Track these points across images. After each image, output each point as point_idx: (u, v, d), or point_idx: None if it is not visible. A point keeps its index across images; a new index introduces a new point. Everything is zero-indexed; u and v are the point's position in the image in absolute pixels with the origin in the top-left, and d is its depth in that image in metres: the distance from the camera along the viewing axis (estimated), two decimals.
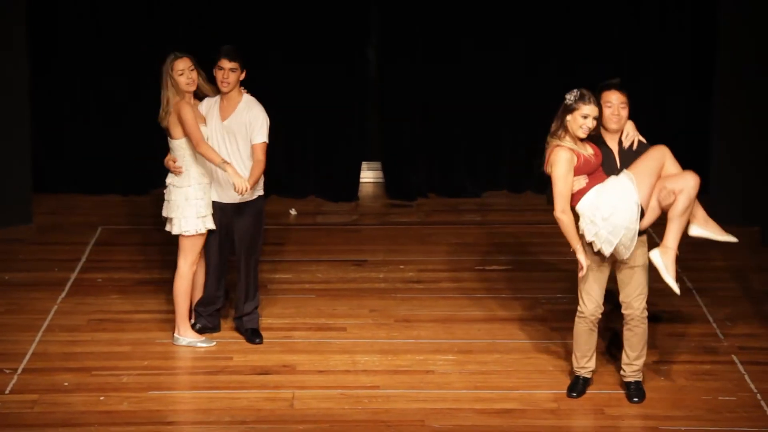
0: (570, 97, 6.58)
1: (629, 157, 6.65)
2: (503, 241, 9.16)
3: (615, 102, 6.60)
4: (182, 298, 7.33)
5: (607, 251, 6.53)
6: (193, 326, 7.42)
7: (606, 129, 6.66)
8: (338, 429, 6.52)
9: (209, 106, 7.25)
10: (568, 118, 6.58)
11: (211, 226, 7.28)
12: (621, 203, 6.45)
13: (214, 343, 7.40)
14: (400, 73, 10.04)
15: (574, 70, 9.86)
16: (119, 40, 9.84)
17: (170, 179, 7.28)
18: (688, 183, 6.55)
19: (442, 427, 6.54)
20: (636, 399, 6.73)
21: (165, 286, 8.21)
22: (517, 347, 7.40)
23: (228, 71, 7.12)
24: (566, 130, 6.57)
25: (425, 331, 7.63)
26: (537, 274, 8.52)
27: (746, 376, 7.03)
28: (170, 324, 7.65)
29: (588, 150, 6.58)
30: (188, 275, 7.32)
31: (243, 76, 7.19)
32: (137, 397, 6.80)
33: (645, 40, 9.88)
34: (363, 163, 10.31)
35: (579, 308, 6.76)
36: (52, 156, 10.01)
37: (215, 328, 7.50)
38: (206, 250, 7.36)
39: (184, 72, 7.15)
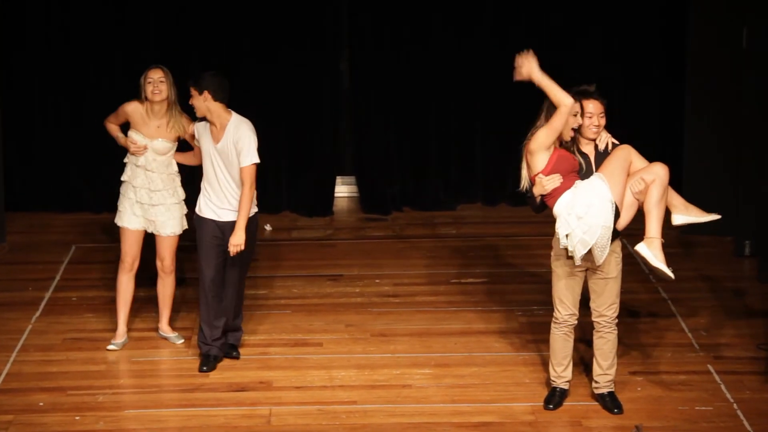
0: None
1: (604, 159, 6.66)
2: (478, 254, 9.17)
3: (594, 112, 6.61)
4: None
5: (580, 252, 6.51)
6: (207, 360, 7.34)
7: (582, 137, 6.67)
8: None
9: (203, 127, 7.20)
10: (573, 123, 6.55)
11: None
12: (596, 201, 6.45)
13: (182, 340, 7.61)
14: (374, 87, 10.06)
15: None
16: (94, 60, 9.83)
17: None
18: (658, 172, 6.58)
19: None
20: (617, 410, 6.73)
21: (139, 304, 8.18)
22: (493, 360, 7.41)
23: (190, 97, 7.10)
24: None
25: (402, 345, 7.63)
26: (512, 286, 8.54)
27: (722, 386, 7.06)
28: (146, 342, 7.63)
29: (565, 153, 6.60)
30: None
31: (207, 97, 7.02)
32: (113, 417, 6.77)
33: (614, 56, 9.94)
34: (337, 177, 10.32)
35: (554, 314, 6.78)
36: (24, 174, 9.97)
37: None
38: (205, 271, 7.27)
39: (153, 81, 7.25)
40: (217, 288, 7.27)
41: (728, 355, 7.46)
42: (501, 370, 7.28)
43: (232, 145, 7.08)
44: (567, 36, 9.93)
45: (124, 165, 7.52)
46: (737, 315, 7.99)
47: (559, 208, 6.55)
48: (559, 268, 6.70)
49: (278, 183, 10.14)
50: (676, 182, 9.45)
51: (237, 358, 7.38)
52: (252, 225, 7.26)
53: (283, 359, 7.44)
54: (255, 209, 7.30)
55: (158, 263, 7.58)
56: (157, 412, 6.84)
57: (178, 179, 7.52)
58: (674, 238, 9.21)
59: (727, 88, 9.13)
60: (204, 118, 7.15)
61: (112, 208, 9.99)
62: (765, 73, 8.73)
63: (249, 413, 6.81)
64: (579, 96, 6.64)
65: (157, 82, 7.28)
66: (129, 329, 7.75)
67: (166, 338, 7.65)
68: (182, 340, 7.62)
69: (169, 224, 7.47)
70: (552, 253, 6.70)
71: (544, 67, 9.85)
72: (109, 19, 9.80)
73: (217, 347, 7.32)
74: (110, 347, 7.53)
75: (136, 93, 9.74)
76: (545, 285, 8.46)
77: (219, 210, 7.19)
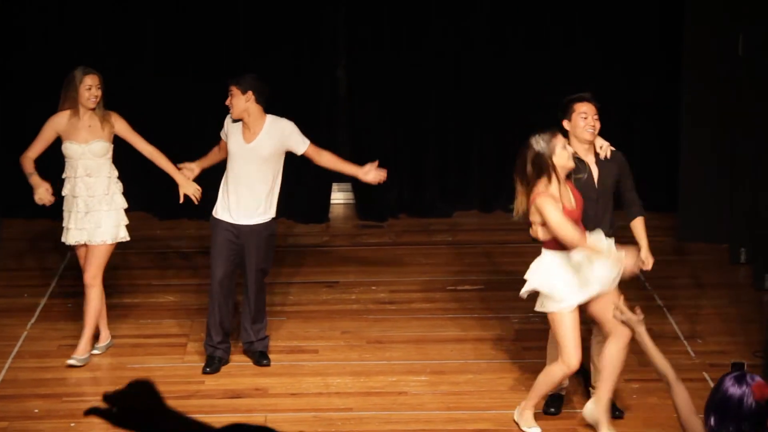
0: (540, 143, 6.36)
1: (606, 167, 6.62)
2: (475, 261, 9.17)
3: (589, 112, 6.58)
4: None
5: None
6: (212, 361, 7.30)
7: (579, 141, 6.62)
8: None
9: (233, 125, 7.22)
10: (566, 126, 6.50)
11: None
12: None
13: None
14: (371, 93, 10.06)
15: (539, 92, 9.92)
16: (90, 64, 9.83)
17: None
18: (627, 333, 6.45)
19: None
20: (618, 413, 6.72)
21: (135, 311, 8.18)
22: (489, 367, 7.41)
23: (229, 97, 7.16)
24: (548, 177, 6.34)
25: (398, 352, 7.62)
26: (509, 293, 8.51)
27: None
28: (143, 348, 7.62)
29: (570, 198, 6.43)
30: None
31: (250, 98, 7.15)
32: (108, 423, 6.74)
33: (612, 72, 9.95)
34: (333, 184, 10.31)
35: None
36: (19, 180, 9.95)
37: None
38: (215, 273, 7.24)
39: (91, 88, 7.21)
40: (226, 292, 7.25)
41: (723, 362, 7.45)
42: (497, 377, 7.27)
43: (273, 140, 7.12)
44: (565, 40, 9.93)
45: (63, 181, 7.33)
46: (733, 322, 8.00)
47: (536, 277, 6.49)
48: None
49: None
50: (671, 187, 9.53)
51: (268, 365, 7.33)
52: (269, 230, 7.26)
53: (278, 366, 7.43)
54: (273, 215, 7.30)
55: (84, 274, 7.28)
56: None
57: (118, 186, 7.33)
58: (669, 245, 9.22)
59: (723, 95, 9.14)
60: (237, 120, 7.18)
61: None
62: (760, 78, 8.74)
63: (244, 420, 6.79)
64: (573, 101, 6.62)
65: (96, 89, 7.20)
66: (124, 336, 7.74)
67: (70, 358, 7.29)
68: (74, 362, 7.27)
69: (99, 232, 7.23)
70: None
71: (542, 70, 9.92)
72: (106, 23, 9.79)
73: (222, 350, 7.31)
74: (70, 361, 7.28)
75: (134, 98, 9.78)
76: None
77: (236, 212, 7.19)
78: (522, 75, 9.96)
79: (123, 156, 9.83)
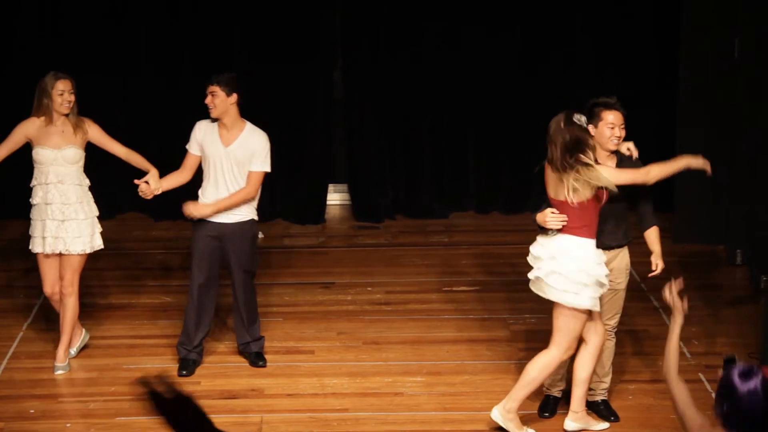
0: (580, 119, 6.28)
1: (627, 166, 6.56)
2: (471, 262, 9.17)
3: (616, 122, 6.47)
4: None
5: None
6: (186, 363, 7.30)
7: (602, 148, 6.48)
8: None
9: (206, 130, 7.16)
10: (591, 130, 6.34)
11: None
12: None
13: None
14: (367, 95, 10.07)
15: (538, 89, 9.93)
16: (86, 65, 9.83)
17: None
18: (598, 342, 6.48)
19: None
20: (613, 418, 6.73)
21: (132, 311, 8.18)
22: (485, 368, 7.41)
23: (209, 95, 7.09)
24: (587, 154, 6.23)
25: (394, 353, 7.62)
26: (504, 294, 8.54)
27: (713, 395, 7.04)
28: (138, 349, 7.62)
29: None
30: None
31: (233, 100, 7.09)
32: (104, 424, 6.75)
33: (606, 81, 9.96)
34: (330, 185, 10.32)
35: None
36: (15, 181, 9.94)
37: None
38: (195, 276, 7.22)
39: (64, 93, 7.12)
40: (205, 295, 7.23)
41: (719, 364, 7.42)
42: (493, 378, 7.27)
43: (248, 148, 7.07)
44: (561, 45, 9.94)
45: (31, 189, 7.25)
46: (729, 324, 8.00)
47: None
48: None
49: (271, 191, 10.12)
50: (668, 190, 9.53)
51: (264, 366, 7.32)
52: (251, 231, 7.21)
53: (274, 367, 7.43)
54: (254, 216, 7.25)
55: (60, 282, 7.22)
56: (148, 419, 6.82)
57: (89, 195, 7.27)
58: (666, 246, 9.20)
59: (719, 98, 9.15)
60: (214, 120, 7.12)
61: (106, 215, 10.07)
62: (755, 82, 8.75)
63: (240, 421, 6.80)
64: (600, 106, 6.53)
65: (68, 94, 7.11)
66: (120, 336, 7.74)
67: (54, 369, 7.28)
68: (61, 372, 7.27)
69: (79, 242, 7.15)
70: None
71: (538, 74, 9.93)
72: (103, 23, 9.79)
73: (197, 353, 7.31)
74: (57, 372, 7.27)
75: (124, 98, 9.78)
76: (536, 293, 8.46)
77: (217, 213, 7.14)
78: (517, 76, 9.97)
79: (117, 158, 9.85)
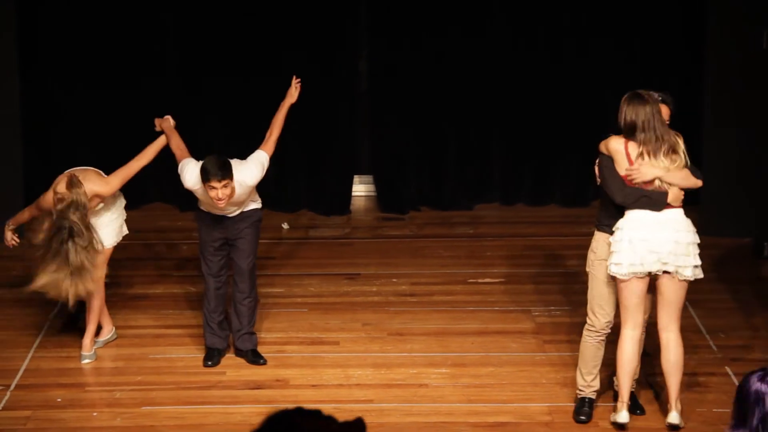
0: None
1: None
2: (495, 254, 9.16)
3: (663, 115, 6.44)
4: None
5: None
6: (211, 355, 7.32)
7: None
8: None
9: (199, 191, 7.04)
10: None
11: None
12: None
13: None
14: (391, 87, 10.05)
15: (563, 80, 9.90)
16: (111, 63, 9.86)
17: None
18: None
19: None
20: (639, 411, 6.70)
21: (157, 301, 8.21)
22: (510, 360, 7.40)
23: (220, 189, 6.84)
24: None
25: (418, 345, 7.62)
26: (529, 286, 8.52)
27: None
28: (164, 339, 7.65)
29: None
30: None
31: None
32: (130, 413, 6.78)
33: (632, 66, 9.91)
34: (355, 176, 10.32)
35: (589, 321, 6.57)
36: (43, 174, 9.98)
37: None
38: (210, 267, 7.26)
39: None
40: (220, 285, 7.26)
41: (746, 357, 7.43)
42: (517, 370, 7.26)
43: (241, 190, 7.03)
44: (585, 37, 9.90)
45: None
46: (755, 317, 7.96)
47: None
48: (601, 273, 6.47)
49: (296, 182, 10.15)
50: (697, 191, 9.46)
51: (264, 363, 7.28)
52: (254, 220, 7.21)
53: (299, 357, 7.45)
54: (258, 206, 7.24)
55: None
56: (175, 408, 6.86)
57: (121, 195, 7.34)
58: None
59: (747, 88, 9.10)
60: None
61: (132, 205, 10.17)
62: None
63: (266, 411, 6.72)
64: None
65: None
66: (146, 326, 7.79)
67: (81, 358, 7.34)
68: (87, 360, 7.33)
69: (105, 236, 7.17)
70: (592, 257, 6.52)
71: (563, 66, 9.89)
72: (125, 24, 9.79)
73: (222, 339, 7.32)
74: (84, 361, 7.33)
75: (154, 93, 9.77)
76: (562, 285, 8.46)
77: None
78: (543, 68, 9.94)
79: (144, 146, 9.87)
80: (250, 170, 7.04)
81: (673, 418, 6.44)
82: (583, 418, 6.64)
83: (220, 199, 6.85)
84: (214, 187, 6.83)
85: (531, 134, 10.10)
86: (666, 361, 6.45)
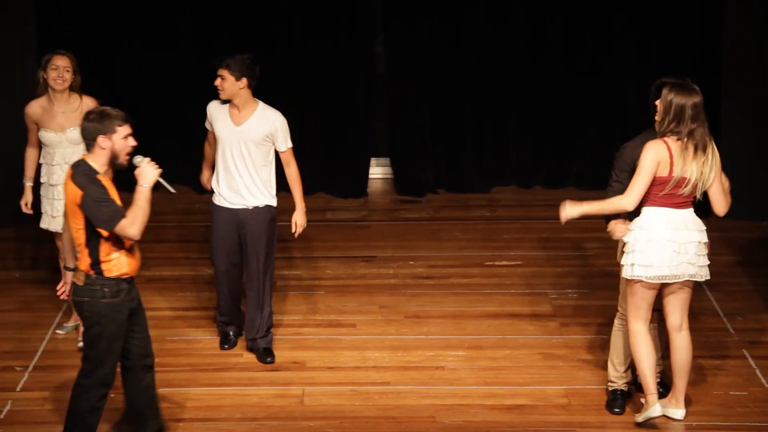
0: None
1: None
2: (512, 237, 9.15)
3: None
4: None
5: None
6: (226, 338, 7.33)
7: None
8: (348, 425, 6.53)
9: (217, 110, 7.10)
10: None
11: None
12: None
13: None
14: (409, 69, 10.03)
15: (580, 64, 9.87)
16: (123, 44, 9.87)
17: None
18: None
19: (453, 423, 6.54)
20: (661, 390, 6.67)
21: (175, 284, 8.24)
22: (527, 343, 7.40)
23: (218, 78, 6.99)
24: None
25: (435, 327, 7.63)
26: (546, 269, 8.52)
27: (757, 371, 7.02)
28: (182, 321, 7.68)
29: None
30: None
31: (243, 84, 6.97)
32: None
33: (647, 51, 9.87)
34: (372, 159, 10.31)
35: (620, 310, 6.53)
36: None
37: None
38: (217, 264, 7.23)
39: (58, 68, 7.05)
40: (232, 278, 7.22)
41: (764, 340, 7.42)
42: (534, 353, 7.27)
43: (261, 127, 7.02)
44: (602, 32, 9.83)
45: (40, 166, 7.25)
46: None
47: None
48: None
49: (313, 164, 10.15)
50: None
51: (272, 362, 7.19)
52: (268, 217, 7.11)
53: (316, 340, 7.46)
54: (272, 203, 7.15)
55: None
56: (192, 390, 6.88)
57: None
58: (711, 222, 9.14)
59: (764, 78, 9.06)
60: (225, 102, 7.05)
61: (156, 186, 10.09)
62: None
63: (282, 393, 6.84)
64: (668, 86, 6.31)
65: (62, 70, 7.06)
66: (163, 308, 7.81)
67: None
68: (61, 332, 7.41)
69: None
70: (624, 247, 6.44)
71: (581, 51, 9.85)
72: (141, 5, 9.79)
73: (236, 325, 7.32)
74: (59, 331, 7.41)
75: (164, 81, 9.79)
76: (579, 268, 8.45)
77: (231, 197, 7.08)
78: (560, 53, 9.90)
79: (164, 129, 9.89)
80: (278, 116, 7.04)
81: (680, 414, 6.45)
82: (617, 410, 6.57)
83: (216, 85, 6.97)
84: (217, 76, 6.98)
85: (548, 117, 10.07)
86: (678, 362, 6.42)
